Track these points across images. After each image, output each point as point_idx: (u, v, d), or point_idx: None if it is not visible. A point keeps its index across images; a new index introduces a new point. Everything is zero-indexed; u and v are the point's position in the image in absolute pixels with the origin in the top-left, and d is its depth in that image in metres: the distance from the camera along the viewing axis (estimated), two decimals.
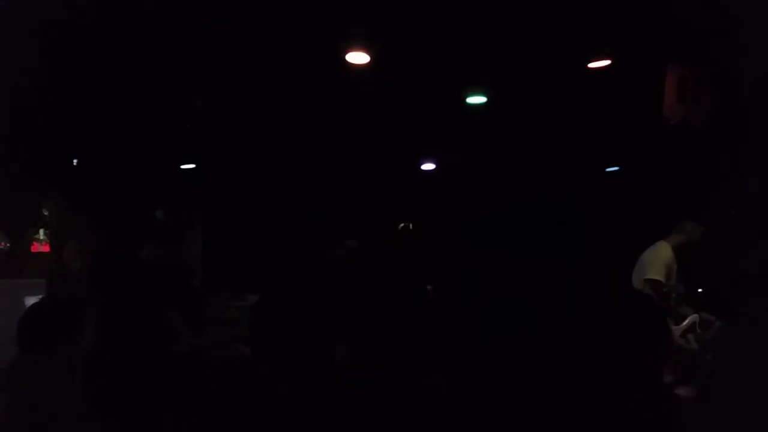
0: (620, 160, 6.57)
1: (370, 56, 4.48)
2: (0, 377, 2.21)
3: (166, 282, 3.19)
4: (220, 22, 4.04)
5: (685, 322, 3.91)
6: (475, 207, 6.41)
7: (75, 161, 5.19)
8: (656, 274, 4.04)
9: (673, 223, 4.17)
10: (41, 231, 4.99)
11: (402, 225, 6.13)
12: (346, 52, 4.44)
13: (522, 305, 1.94)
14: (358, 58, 4.51)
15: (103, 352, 2.69)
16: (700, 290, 4.18)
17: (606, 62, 4.70)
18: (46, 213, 4.98)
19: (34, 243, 5.00)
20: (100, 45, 3.83)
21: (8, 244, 4.77)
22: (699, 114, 4.31)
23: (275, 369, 1.77)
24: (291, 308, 1.93)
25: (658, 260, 4.08)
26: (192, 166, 5.89)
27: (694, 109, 4.32)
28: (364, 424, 1.64)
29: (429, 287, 2.74)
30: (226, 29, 4.13)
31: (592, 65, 4.71)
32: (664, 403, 1.40)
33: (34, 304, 2.47)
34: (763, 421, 1.58)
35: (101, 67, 4.06)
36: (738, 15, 3.37)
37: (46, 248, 4.98)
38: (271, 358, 1.82)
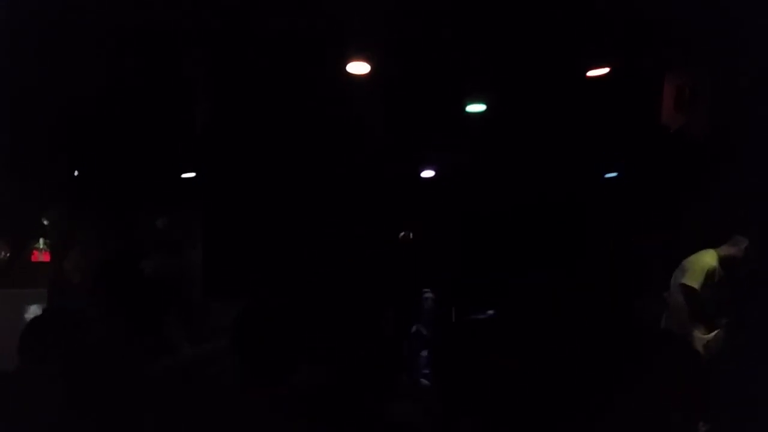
0: (619, 167, 6.59)
1: (371, 66, 4.51)
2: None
3: (168, 292, 3.20)
4: (221, 31, 4.06)
5: (711, 334, 3.79)
6: (476, 214, 6.42)
7: (76, 170, 5.20)
8: (692, 280, 3.91)
9: (725, 233, 4.05)
10: (41, 240, 4.99)
11: (402, 234, 6.13)
12: (347, 63, 4.47)
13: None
14: (358, 68, 4.53)
15: (104, 364, 2.69)
16: None
17: (604, 70, 4.73)
18: (46, 222, 4.97)
19: (35, 252, 5.00)
20: (102, 52, 3.84)
21: (8, 254, 4.77)
22: (698, 122, 4.32)
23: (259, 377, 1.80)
24: (268, 319, 1.97)
25: (698, 267, 3.96)
26: (192, 175, 5.90)
27: (692, 117, 4.33)
28: None
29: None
30: (227, 38, 4.15)
31: (591, 73, 4.74)
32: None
33: (36, 317, 2.48)
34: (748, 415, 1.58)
35: (103, 75, 4.07)
36: (737, 22, 3.38)
37: (46, 258, 4.98)
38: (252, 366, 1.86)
